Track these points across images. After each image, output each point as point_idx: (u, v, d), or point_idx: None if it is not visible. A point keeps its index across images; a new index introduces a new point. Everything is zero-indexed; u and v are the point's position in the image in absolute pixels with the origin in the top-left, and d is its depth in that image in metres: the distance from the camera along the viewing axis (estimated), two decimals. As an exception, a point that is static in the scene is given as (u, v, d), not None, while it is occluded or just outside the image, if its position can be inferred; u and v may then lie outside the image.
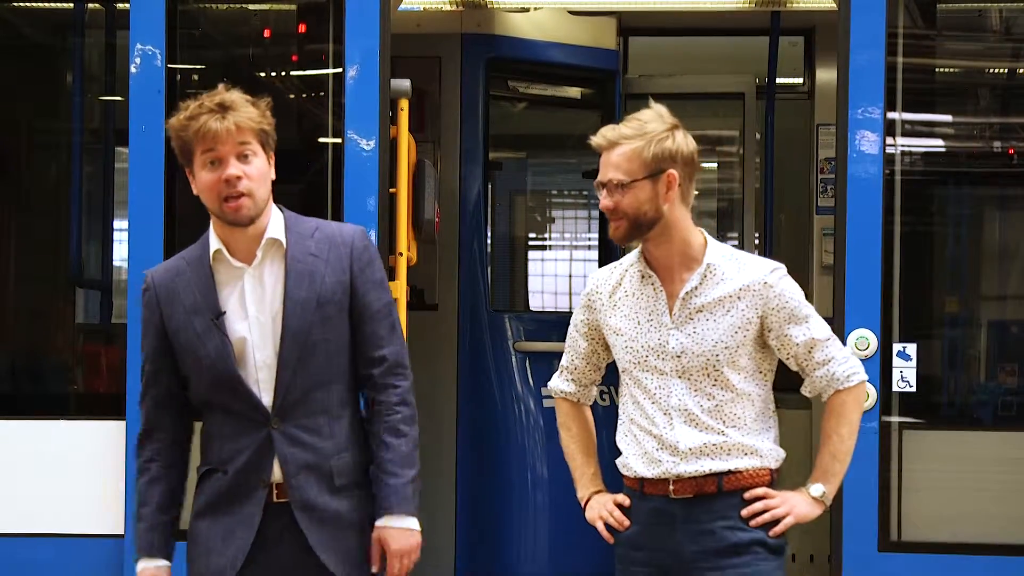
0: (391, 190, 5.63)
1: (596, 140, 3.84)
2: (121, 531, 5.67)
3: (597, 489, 3.97)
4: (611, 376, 7.48)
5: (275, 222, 3.67)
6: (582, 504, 3.99)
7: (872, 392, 5.36)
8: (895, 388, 5.47)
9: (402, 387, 3.72)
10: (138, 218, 5.70)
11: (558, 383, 4.07)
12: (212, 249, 3.65)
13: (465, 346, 7.03)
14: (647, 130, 3.77)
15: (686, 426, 3.73)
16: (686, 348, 3.73)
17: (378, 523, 3.66)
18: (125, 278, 5.79)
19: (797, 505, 3.77)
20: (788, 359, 3.81)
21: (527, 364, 7.03)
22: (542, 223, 11.28)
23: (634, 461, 3.80)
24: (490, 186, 7.72)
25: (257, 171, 3.60)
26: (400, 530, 3.65)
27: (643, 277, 3.82)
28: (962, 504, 5.58)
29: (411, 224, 5.75)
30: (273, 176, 3.68)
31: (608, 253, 7.63)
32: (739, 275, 3.76)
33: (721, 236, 10.09)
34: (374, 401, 3.71)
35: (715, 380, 3.74)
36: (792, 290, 3.78)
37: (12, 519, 5.78)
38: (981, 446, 5.69)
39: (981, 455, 5.65)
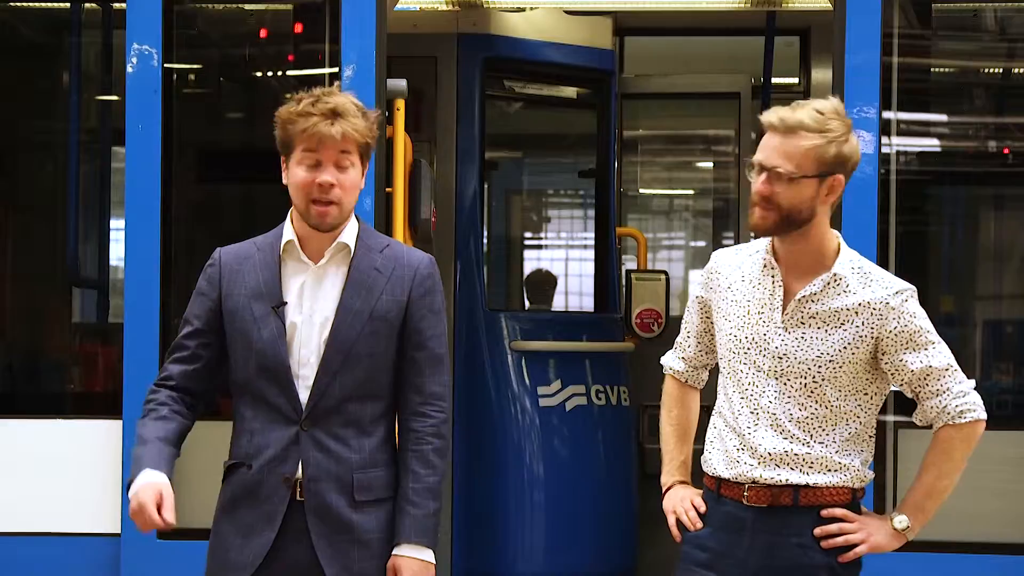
0: (387, 190, 5.63)
1: (770, 119, 3.53)
2: (118, 530, 5.67)
3: (682, 479, 3.83)
4: (609, 375, 7.48)
5: (350, 229, 3.71)
6: (663, 490, 3.85)
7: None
8: (890, 387, 5.47)
9: (438, 419, 3.71)
10: (135, 217, 5.71)
11: (670, 359, 3.92)
12: (284, 240, 3.68)
13: (461, 346, 7.03)
14: (829, 127, 3.51)
15: (771, 430, 3.59)
16: (789, 352, 3.58)
17: (395, 551, 3.65)
18: (122, 277, 5.80)
19: (875, 534, 3.64)
20: (901, 385, 3.68)
21: (523, 363, 7.03)
22: (538, 223, 11.30)
23: (715, 458, 3.67)
24: (486, 186, 7.72)
25: (350, 182, 3.63)
26: (415, 560, 3.65)
27: (765, 267, 3.64)
28: (957, 503, 5.56)
29: (407, 224, 5.76)
30: (362, 186, 3.71)
31: (604, 253, 7.65)
32: (863, 291, 3.60)
33: (717, 236, 10.12)
34: (408, 429, 3.70)
35: (811, 392, 3.59)
36: (915, 314, 3.61)
37: (9, 518, 5.78)
38: (977, 445, 5.69)
39: (977, 454, 5.64)
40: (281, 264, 3.68)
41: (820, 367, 3.58)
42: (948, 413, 3.65)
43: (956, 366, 3.66)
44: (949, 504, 5.54)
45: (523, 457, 6.99)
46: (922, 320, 3.62)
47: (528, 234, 10.99)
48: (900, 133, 5.69)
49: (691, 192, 11.65)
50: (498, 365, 7.04)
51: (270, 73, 6.28)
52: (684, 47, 9.06)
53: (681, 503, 3.76)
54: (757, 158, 3.56)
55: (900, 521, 3.68)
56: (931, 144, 6.09)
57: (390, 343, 3.68)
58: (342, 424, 3.63)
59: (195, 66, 6.12)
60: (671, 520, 3.77)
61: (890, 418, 5.48)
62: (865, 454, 3.68)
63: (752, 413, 3.62)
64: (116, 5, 6.12)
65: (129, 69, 5.72)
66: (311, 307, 3.65)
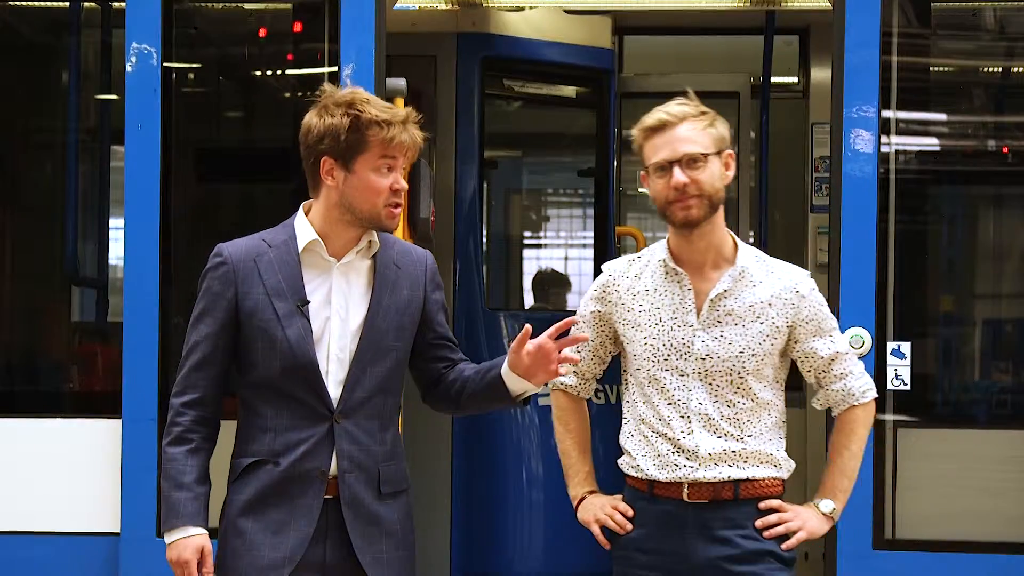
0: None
1: (659, 117, 3.67)
2: (117, 529, 5.67)
3: (591, 489, 3.90)
4: (609, 375, 7.48)
5: None
6: (574, 503, 3.92)
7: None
8: (889, 386, 5.48)
9: None
10: (134, 216, 5.71)
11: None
12: (307, 239, 3.67)
13: (460, 345, 7.00)
14: (704, 109, 3.70)
15: (705, 431, 3.66)
16: (712, 351, 3.65)
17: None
18: (121, 276, 5.79)
19: (808, 520, 3.73)
20: (808, 371, 3.77)
21: (522, 362, 7.02)
22: (537, 222, 11.30)
23: (644, 463, 3.72)
24: (485, 185, 7.72)
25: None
26: None
27: (668, 273, 3.73)
28: (956, 502, 5.59)
29: (407, 223, 5.76)
30: None
31: (603, 252, 7.64)
32: (769, 280, 3.70)
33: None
34: (455, 365, 3.86)
35: (737, 387, 3.67)
36: (820, 301, 3.74)
37: (8, 517, 5.78)
38: (975, 444, 5.70)
39: (975, 453, 5.67)
40: (300, 262, 3.68)
41: (744, 362, 3.66)
42: (853, 394, 3.77)
43: (850, 349, 3.83)
44: (944, 502, 5.58)
45: (522, 456, 6.99)
46: (824, 306, 3.76)
47: (527, 233, 10.99)
48: (899, 132, 5.69)
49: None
50: (497, 364, 7.03)
51: (269, 72, 6.27)
52: (683, 46, 9.06)
53: (603, 510, 3.82)
54: (662, 157, 3.66)
55: (826, 505, 3.77)
56: (930, 143, 6.09)
57: (411, 337, 3.76)
58: (368, 417, 3.67)
59: (194, 65, 6.12)
60: (596, 530, 3.83)
61: (888, 417, 5.49)
62: (784, 441, 3.77)
63: (683, 418, 3.68)
64: (115, 4, 6.12)
65: (128, 68, 5.72)
66: (344, 303, 3.67)
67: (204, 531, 3.66)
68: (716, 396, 3.67)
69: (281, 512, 3.63)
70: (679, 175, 3.63)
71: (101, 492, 5.71)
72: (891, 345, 5.46)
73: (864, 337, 5.42)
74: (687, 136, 3.64)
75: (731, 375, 3.66)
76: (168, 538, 3.66)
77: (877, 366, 5.44)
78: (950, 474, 5.62)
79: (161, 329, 5.66)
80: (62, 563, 5.72)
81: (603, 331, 3.87)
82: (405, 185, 3.67)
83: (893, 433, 5.51)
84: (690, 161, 3.63)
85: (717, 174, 3.66)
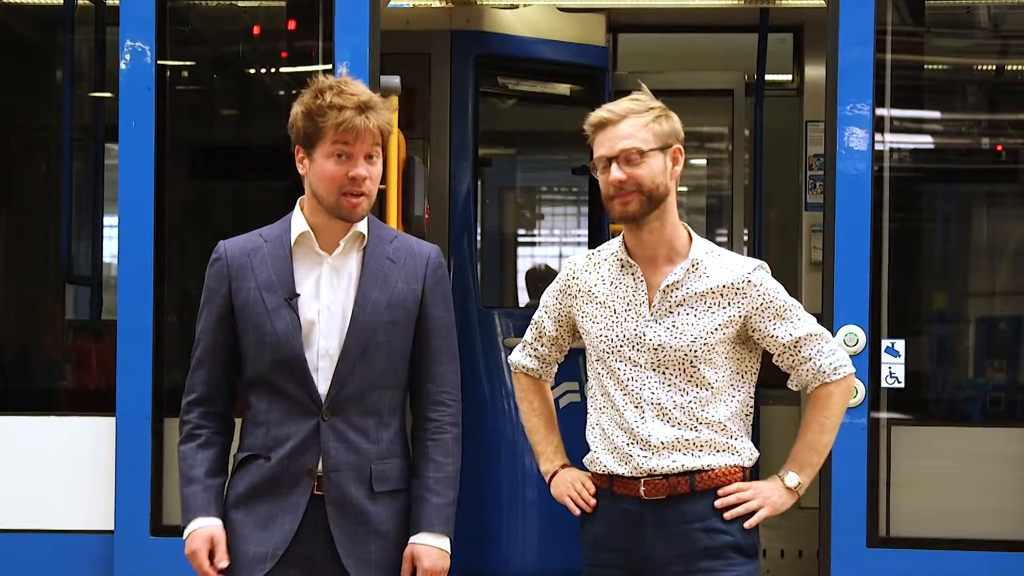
0: (380, 187, 5.62)
1: (601, 115, 3.76)
2: (111, 527, 5.67)
3: (563, 463, 3.95)
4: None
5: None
6: (547, 478, 3.96)
7: (861, 388, 5.38)
8: (883, 384, 5.48)
9: (454, 407, 3.76)
10: (128, 214, 5.70)
11: (519, 357, 4.04)
12: (298, 231, 3.66)
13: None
14: (652, 106, 3.75)
15: (658, 420, 3.69)
16: (664, 342, 3.69)
17: (414, 539, 3.67)
18: (115, 274, 5.79)
19: (771, 496, 3.73)
20: (777, 358, 3.78)
21: (517, 360, 7.03)
22: (531, 219, 11.30)
23: (604, 456, 3.76)
24: (480, 183, 7.72)
25: (377, 173, 3.66)
26: (435, 548, 3.66)
27: (623, 266, 3.78)
28: (950, 500, 5.59)
29: (401, 221, 5.75)
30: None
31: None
32: (722, 272, 3.73)
33: (711, 233, 10.13)
34: (426, 418, 3.73)
35: (691, 377, 3.70)
36: (775, 288, 3.75)
37: (2, 515, 5.77)
38: (969, 442, 5.70)
39: (969, 451, 5.67)
40: (293, 256, 3.66)
41: (695, 351, 3.69)
42: (824, 372, 3.76)
43: (820, 330, 3.79)
44: (938, 500, 5.59)
45: (517, 454, 6.98)
46: (782, 291, 3.77)
47: (522, 231, 11.00)
48: (893, 130, 5.69)
49: (684, 189, 11.67)
50: (492, 362, 7.04)
51: (263, 70, 6.27)
52: (678, 44, 9.05)
53: (572, 485, 3.87)
54: (601, 153, 3.74)
55: (791, 479, 3.76)
56: (924, 141, 6.09)
57: (407, 332, 3.70)
58: (362, 414, 3.64)
59: (188, 63, 6.12)
60: (569, 503, 3.87)
61: (882, 415, 5.49)
62: (747, 430, 3.78)
63: (637, 408, 3.72)
64: (110, 2, 6.12)
65: (122, 66, 5.71)
66: (331, 298, 3.65)
67: (216, 520, 3.66)
68: (669, 385, 3.70)
69: (269, 507, 3.63)
70: (615, 171, 3.70)
71: (95, 490, 5.71)
72: (885, 343, 5.47)
73: (858, 335, 5.42)
74: (626, 133, 3.71)
75: (683, 364, 3.69)
76: (185, 534, 3.68)
77: (871, 364, 5.45)
78: (944, 472, 5.63)
79: (155, 327, 5.65)
80: (56, 561, 5.72)
81: (561, 324, 3.93)
82: (364, 174, 3.60)
83: (887, 431, 5.52)
84: (628, 157, 3.69)
85: (658, 169, 3.71)
